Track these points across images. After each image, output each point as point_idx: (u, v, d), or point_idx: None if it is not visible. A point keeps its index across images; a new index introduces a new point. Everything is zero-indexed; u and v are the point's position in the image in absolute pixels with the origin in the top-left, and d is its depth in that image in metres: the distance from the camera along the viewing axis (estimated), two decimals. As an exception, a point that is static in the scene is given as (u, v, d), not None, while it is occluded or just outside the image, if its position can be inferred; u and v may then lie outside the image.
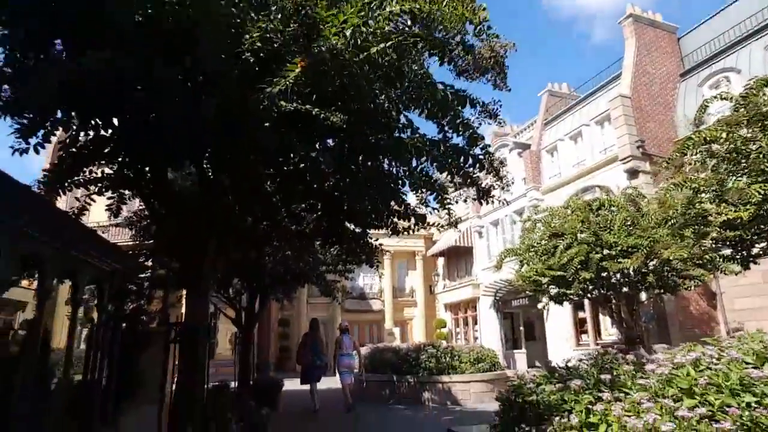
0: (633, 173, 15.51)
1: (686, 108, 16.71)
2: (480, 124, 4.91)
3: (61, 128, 4.21)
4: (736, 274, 9.26)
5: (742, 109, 7.23)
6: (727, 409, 2.65)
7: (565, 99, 21.32)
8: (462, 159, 5.19)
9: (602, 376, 3.96)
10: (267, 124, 3.90)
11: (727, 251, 8.61)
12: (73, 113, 4.34)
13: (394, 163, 5.80)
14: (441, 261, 28.98)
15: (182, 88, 3.84)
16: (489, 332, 23.43)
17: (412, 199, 6.69)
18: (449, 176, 5.28)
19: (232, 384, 9.37)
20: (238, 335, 10.45)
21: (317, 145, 4.20)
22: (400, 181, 5.94)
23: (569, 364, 4.78)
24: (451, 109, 4.83)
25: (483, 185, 5.74)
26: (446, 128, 5.17)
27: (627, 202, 11.89)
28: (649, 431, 2.77)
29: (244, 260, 9.07)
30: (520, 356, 22.63)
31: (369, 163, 5.27)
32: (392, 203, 6.24)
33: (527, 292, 14.39)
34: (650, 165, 15.67)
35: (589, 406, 3.64)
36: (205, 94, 3.77)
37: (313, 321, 12.06)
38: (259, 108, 3.63)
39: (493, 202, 5.77)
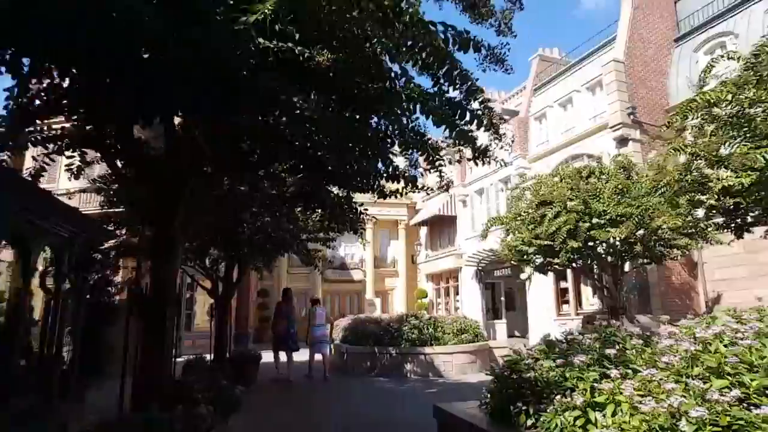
0: (622, 141, 15.22)
1: (680, 75, 16.36)
2: (486, 70, 4.41)
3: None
4: (729, 243, 9.08)
5: (750, 72, 6.87)
6: (766, 391, 2.32)
7: (556, 64, 20.79)
8: (459, 114, 4.73)
9: (607, 351, 3.64)
10: (245, 65, 3.39)
11: (719, 220, 8.40)
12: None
13: (383, 121, 5.33)
14: (424, 230, 28.73)
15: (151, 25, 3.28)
16: (470, 302, 23.41)
17: (399, 161, 6.24)
18: (447, 131, 4.81)
19: (208, 357, 8.98)
20: (214, 307, 10.00)
21: (300, 89, 3.67)
22: (389, 140, 5.48)
23: (568, 337, 4.46)
24: (448, 59, 4.34)
25: (479, 144, 5.30)
26: (442, 81, 4.69)
27: (618, 169, 11.62)
28: (673, 416, 2.43)
29: (221, 228, 8.57)
30: (500, 326, 22.71)
31: (357, 117, 4.77)
32: (380, 164, 5.81)
33: (512, 261, 14.17)
34: (640, 133, 15.39)
35: (595, 384, 3.31)
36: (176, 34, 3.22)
37: (287, 290, 11.78)
38: (234, 44, 3.10)
39: (489, 162, 5.34)
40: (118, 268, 6.76)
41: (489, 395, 4.48)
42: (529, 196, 12.73)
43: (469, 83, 4.61)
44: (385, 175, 5.75)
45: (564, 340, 4.24)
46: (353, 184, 6.25)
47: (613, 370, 3.26)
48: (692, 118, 7.56)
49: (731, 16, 15.55)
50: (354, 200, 7.42)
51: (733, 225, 8.06)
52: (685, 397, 2.46)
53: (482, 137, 5.39)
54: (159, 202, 4.74)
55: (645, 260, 12.10)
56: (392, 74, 4.54)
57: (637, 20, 16.84)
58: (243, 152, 5.08)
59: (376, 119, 5.35)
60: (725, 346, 2.88)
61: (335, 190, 6.87)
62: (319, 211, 7.87)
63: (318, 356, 11.15)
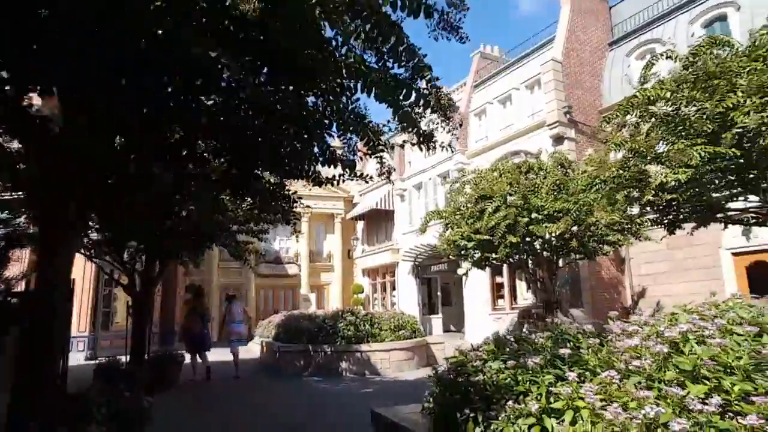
0: (558, 139, 15.48)
1: (612, 77, 16.87)
2: (438, 38, 3.99)
3: None
4: (661, 240, 9.27)
5: (687, 71, 6.93)
6: (750, 398, 2.05)
7: (496, 62, 20.95)
8: (404, 93, 4.30)
9: (561, 351, 3.34)
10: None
11: (653, 216, 8.52)
12: None
13: (320, 100, 4.83)
14: (360, 225, 28.33)
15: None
16: (407, 298, 23.27)
17: (337, 146, 5.75)
18: (390, 110, 4.37)
19: (124, 359, 8.11)
20: (129, 304, 9.08)
21: (222, 48, 3.08)
22: (326, 121, 4.98)
23: (516, 334, 4.16)
24: (393, 32, 3.90)
25: (425, 129, 4.91)
26: (387, 57, 4.25)
27: (555, 165, 11.70)
28: (649, 428, 2.12)
29: (140, 217, 7.70)
30: (437, 321, 22.71)
31: (291, 88, 4.24)
32: (316, 148, 5.29)
33: (450, 256, 14.03)
34: (575, 132, 15.71)
35: (551, 388, 2.99)
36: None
37: (199, 288, 11.09)
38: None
39: (434, 148, 4.96)
40: (8, 260, 5.80)
41: (432, 399, 4.11)
42: (469, 190, 12.60)
43: (416, 59, 4.20)
44: (321, 159, 5.24)
45: (513, 339, 3.93)
46: (286, 170, 5.68)
47: (571, 373, 2.95)
48: (632, 115, 7.57)
49: (660, 24, 16.20)
50: (288, 189, 6.86)
51: (666, 221, 8.18)
52: (660, 405, 2.15)
53: (440, 133, 5.03)
54: (48, 183, 3.99)
55: (579, 256, 12.29)
56: (331, 42, 4.05)
57: (575, 23, 17.21)
58: (155, 125, 4.39)
59: (313, 98, 4.84)
60: (694, 343, 2.63)
61: (266, 176, 6.27)
62: (249, 199, 7.24)
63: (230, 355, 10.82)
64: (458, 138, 18.64)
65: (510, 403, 3.15)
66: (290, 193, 6.65)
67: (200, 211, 7.87)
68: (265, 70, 4.28)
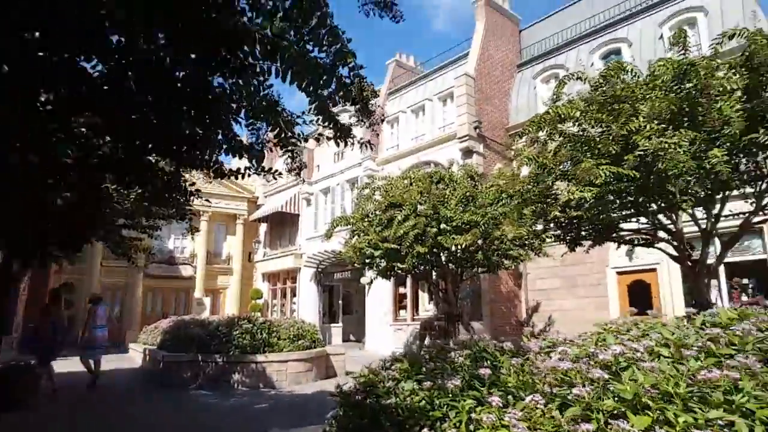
0: (468, 152, 15.81)
1: (519, 97, 17.61)
2: (369, 14, 3.60)
3: None
4: (562, 256, 9.59)
5: (597, 92, 7.19)
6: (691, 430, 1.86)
7: (411, 72, 21.14)
8: (323, 79, 3.86)
9: (480, 371, 3.05)
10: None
11: (557, 232, 8.78)
12: None
13: (229, 82, 4.25)
14: (264, 227, 27.20)
15: None
16: (307, 305, 22.63)
17: (244, 136, 5.17)
18: (308, 98, 3.91)
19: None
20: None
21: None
22: (233, 104, 4.41)
23: (433, 351, 3.85)
24: (317, 9, 3.47)
25: (343, 122, 4.49)
26: (306, 39, 3.79)
27: (465, 177, 11.82)
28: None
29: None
30: (336, 330, 22.31)
31: (194, 57, 3.63)
32: (220, 135, 4.68)
33: (356, 264, 13.69)
34: (484, 147, 16.15)
35: (472, 415, 2.68)
36: None
37: (56, 290, 9.92)
38: None
39: (352, 143, 4.56)
40: None
41: (335, 422, 3.66)
42: (379, 197, 12.39)
43: (339, 44, 3.78)
44: (224, 147, 4.63)
45: (429, 357, 3.61)
46: (183, 157, 4.99)
47: (493, 397, 2.66)
48: (543, 132, 7.73)
49: (564, 52, 17.24)
50: (185, 180, 6.10)
51: (568, 238, 8.45)
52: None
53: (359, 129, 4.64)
54: None
55: (483, 269, 12.50)
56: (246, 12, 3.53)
57: (488, 41, 17.81)
58: (16, 92, 3.58)
59: (220, 78, 4.25)
60: (623, 369, 2.44)
61: (160, 163, 5.50)
62: (138, 189, 6.36)
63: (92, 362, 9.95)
64: (378, 135, 18.49)
65: (425, 431, 2.80)
66: (187, 184, 5.91)
67: (73, 200, 6.80)
68: (164, 35, 3.65)
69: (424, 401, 3.05)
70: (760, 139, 5.75)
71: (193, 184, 6.07)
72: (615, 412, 2.03)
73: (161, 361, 10.58)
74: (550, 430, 2.45)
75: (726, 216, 7.57)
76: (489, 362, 3.41)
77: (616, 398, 2.10)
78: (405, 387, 3.27)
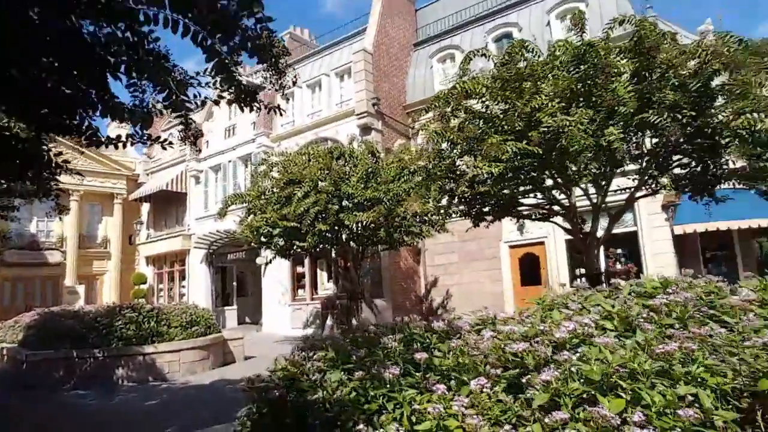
0: (366, 129, 15.57)
1: (416, 76, 17.66)
2: None
3: None
4: (467, 231, 9.73)
5: (504, 67, 7.24)
6: (666, 411, 1.75)
7: (306, 46, 20.29)
8: (224, 31, 3.31)
9: (416, 356, 2.82)
10: None
11: (461, 208, 8.87)
12: None
13: (104, 32, 3.51)
14: (146, 207, 24.96)
15: None
16: (198, 288, 21.32)
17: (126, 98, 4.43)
18: (205, 54, 3.34)
19: None
20: None
21: None
22: (112, 58, 3.66)
23: (355, 336, 3.55)
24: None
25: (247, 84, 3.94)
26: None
27: (366, 153, 11.58)
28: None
29: None
30: (231, 313, 21.36)
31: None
32: (92, 93, 3.89)
33: (252, 244, 12.99)
34: (382, 124, 16.00)
35: (415, 405, 2.45)
36: None
37: None
38: None
39: (258, 108, 4.04)
40: None
41: (249, 423, 3.25)
42: (277, 174, 11.77)
43: (245, -10, 3.26)
44: (100, 107, 3.87)
45: (356, 345, 3.30)
46: (46, 120, 4.12)
47: (439, 385, 2.44)
48: (450, 107, 7.67)
49: (459, 33, 17.54)
50: (49, 149, 5.13)
51: (473, 213, 8.57)
52: (578, 428, 1.73)
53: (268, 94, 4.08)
54: None
55: (384, 246, 12.46)
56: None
57: (385, 17, 17.57)
58: None
59: (91, 26, 3.50)
60: (575, 347, 2.33)
61: (13, 126, 4.54)
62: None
63: None
64: (288, 100, 17.58)
65: (361, 427, 2.52)
66: (51, 154, 4.97)
67: None
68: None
69: (356, 393, 2.75)
70: (650, 118, 6.13)
71: (60, 154, 5.13)
72: (584, 395, 1.88)
73: (24, 361, 9.19)
74: (498, 414, 2.29)
75: (613, 191, 8.13)
76: (419, 344, 3.20)
77: (582, 380, 1.95)
78: (332, 378, 2.94)
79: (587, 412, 1.72)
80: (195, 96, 4.03)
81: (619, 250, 13.54)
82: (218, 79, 3.75)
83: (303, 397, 2.88)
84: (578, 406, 1.84)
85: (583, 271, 13.90)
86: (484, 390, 2.32)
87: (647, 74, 6.68)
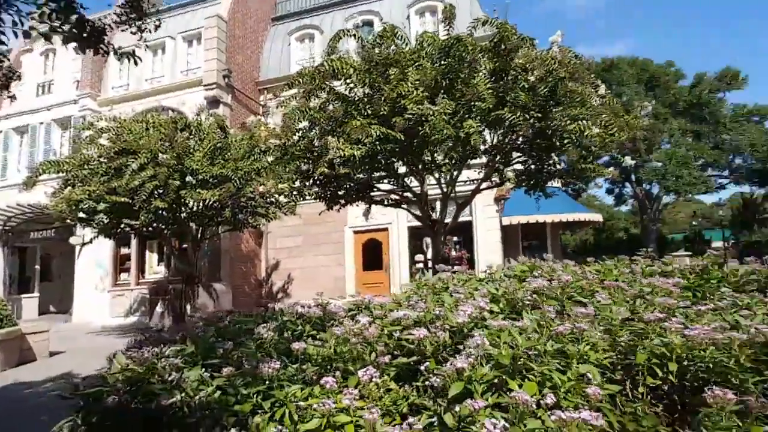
0: (214, 102, 14.36)
1: (272, 52, 16.80)
2: None
3: None
4: (320, 214, 9.43)
5: (375, 50, 7.12)
6: (585, 390, 1.74)
7: (149, 2, 17.97)
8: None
9: (294, 345, 2.51)
10: None
11: (315, 189, 8.61)
12: None
13: None
14: None
15: None
16: (-15, 272, 17.78)
17: None
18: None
19: None
20: None
21: None
22: None
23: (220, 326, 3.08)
24: None
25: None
26: None
27: (215, 127, 10.61)
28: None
29: None
30: (31, 302, 18.22)
31: None
32: None
33: (68, 220, 11.13)
34: (232, 98, 14.94)
35: (300, 402, 2.17)
36: None
37: None
38: None
39: (105, 52, 3.29)
40: None
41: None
42: (106, 142, 10.19)
43: None
44: None
45: (221, 335, 2.86)
46: None
47: (328, 377, 2.18)
48: (316, 85, 7.33)
49: (320, 14, 17.15)
50: None
51: (328, 195, 8.36)
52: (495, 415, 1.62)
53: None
54: None
55: (228, 227, 11.63)
56: None
57: (242, -15, 16.38)
58: None
59: None
60: (471, 329, 2.25)
61: None
62: None
63: None
64: (133, 59, 15.21)
65: (233, 431, 2.14)
66: None
67: None
68: None
69: (223, 393, 2.35)
70: (505, 116, 6.53)
71: None
72: (495, 380, 1.77)
73: None
74: (387, 403, 2.13)
75: (462, 182, 8.58)
76: (291, 333, 2.90)
77: (491, 365, 1.85)
78: (191, 377, 2.48)
79: (511, 397, 1.61)
80: (14, 24, 3.12)
81: (455, 238, 14.52)
82: (53, 6, 2.94)
83: (155, 403, 2.37)
84: (487, 392, 1.74)
85: (421, 257, 14.82)
86: (373, 380, 2.13)
87: (503, 74, 7.12)
